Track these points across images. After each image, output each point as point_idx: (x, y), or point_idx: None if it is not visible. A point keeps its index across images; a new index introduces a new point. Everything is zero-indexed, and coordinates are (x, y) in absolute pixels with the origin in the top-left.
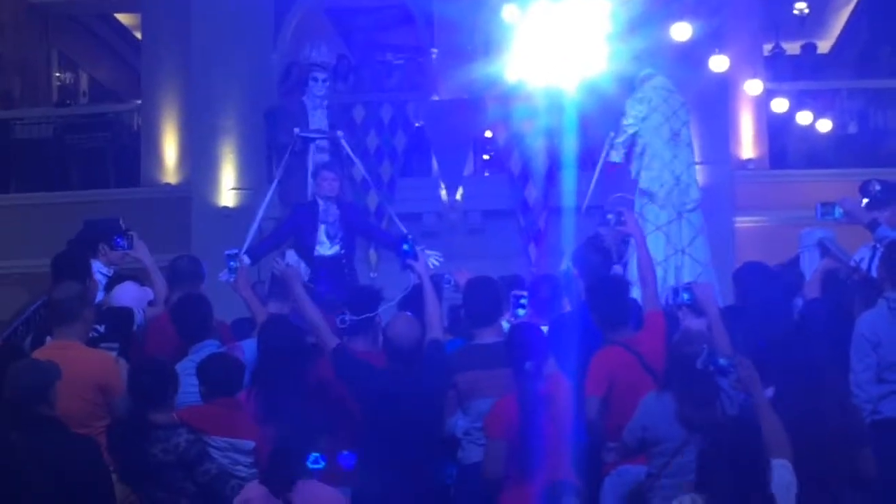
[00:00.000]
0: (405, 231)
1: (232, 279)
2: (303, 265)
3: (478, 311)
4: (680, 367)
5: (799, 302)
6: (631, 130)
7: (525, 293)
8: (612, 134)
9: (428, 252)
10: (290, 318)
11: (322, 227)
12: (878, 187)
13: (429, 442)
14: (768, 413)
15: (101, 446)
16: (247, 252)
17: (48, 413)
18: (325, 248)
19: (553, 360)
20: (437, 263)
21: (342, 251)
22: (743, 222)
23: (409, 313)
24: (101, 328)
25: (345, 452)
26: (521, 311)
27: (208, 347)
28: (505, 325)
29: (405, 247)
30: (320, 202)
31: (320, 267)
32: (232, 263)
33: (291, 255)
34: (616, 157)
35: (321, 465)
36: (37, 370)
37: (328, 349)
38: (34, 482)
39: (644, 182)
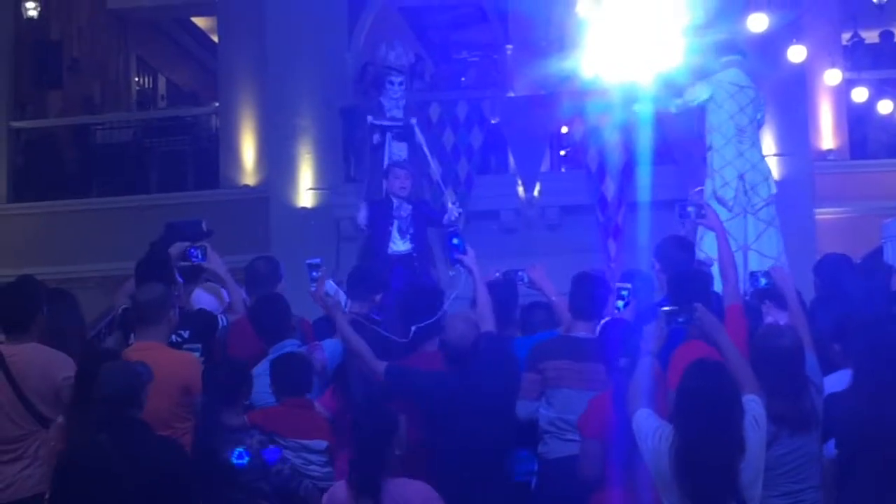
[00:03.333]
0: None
1: (313, 288)
2: (342, 294)
3: (581, 304)
4: (767, 361)
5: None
6: (681, 104)
7: (628, 285)
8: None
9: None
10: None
11: (395, 224)
12: None
13: (501, 439)
14: (734, 354)
15: (185, 448)
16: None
17: (137, 415)
18: (398, 245)
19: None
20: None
21: (413, 248)
22: (823, 214)
23: (463, 314)
24: (186, 333)
25: (270, 447)
26: (620, 304)
27: (288, 347)
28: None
29: (454, 241)
30: (394, 200)
31: (394, 264)
32: (314, 273)
33: (331, 285)
34: (672, 108)
35: (245, 459)
36: (130, 372)
37: (378, 375)
38: (122, 483)
39: (707, 178)
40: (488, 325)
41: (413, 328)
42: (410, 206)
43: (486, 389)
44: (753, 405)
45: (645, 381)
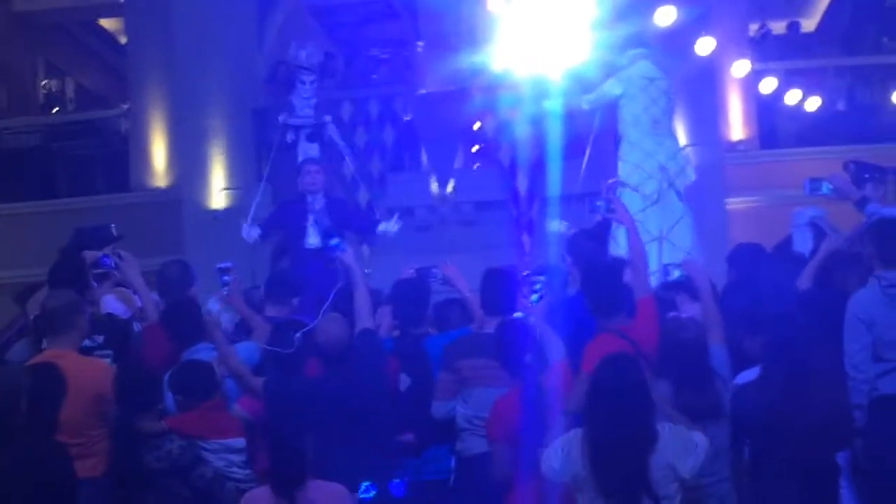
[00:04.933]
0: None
1: (224, 293)
2: (226, 315)
3: (492, 300)
4: (671, 353)
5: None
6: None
7: (542, 278)
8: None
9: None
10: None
11: (311, 219)
12: (852, 167)
13: (379, 436)
14: (711, 304)
15: (69, 457)
16: (259, 224)
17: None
18: (314, 239)
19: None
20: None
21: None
22: (735, 204)
23: (335, 314)
24: (100, 339)
25: (396, 480)
26: (535, 297)
27: (201, 351)
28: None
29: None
30: (308, 196)
31: (311, 260)
32: (225, 277)
33: (214, 304)
34: (584, 104)
35: (371, 494)
36: (8, 383)
37: (257, 392)
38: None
39: (622, 172)
40: (365, 321)
41: (297, 336)
42: (325, 200)
43: (363, 387)
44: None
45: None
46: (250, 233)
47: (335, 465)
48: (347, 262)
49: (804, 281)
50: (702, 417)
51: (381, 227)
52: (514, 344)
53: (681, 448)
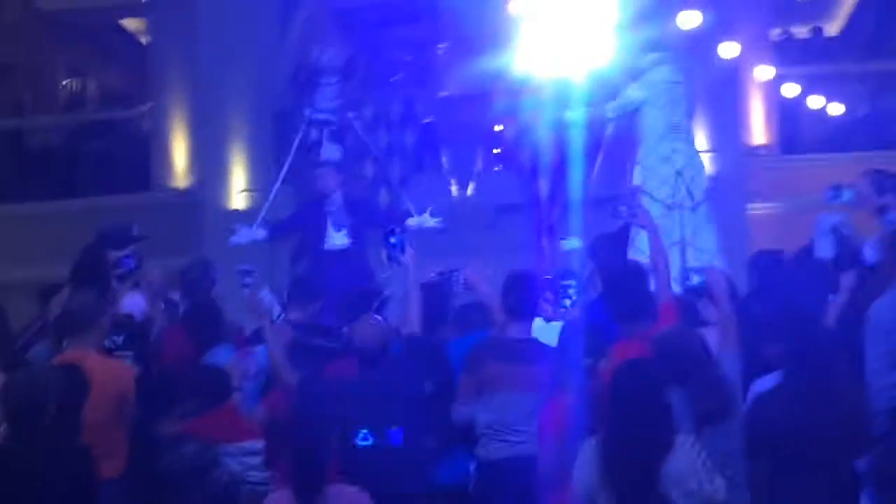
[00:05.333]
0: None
1: (246, 294)
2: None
3: (514, 304)
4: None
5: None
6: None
7: (573, 282)
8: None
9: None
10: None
11: (330, 220)
12: (873, 175)
13: (422, 440)
14: (727, 311)
15: (92, 458)
16: (264, 225)
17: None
18: (334, 239)
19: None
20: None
21: (351, 242)
22: (756, 209)
23: (369, 316)
24: (120, 339)
25: (394, 428)
26: (568, 302)
27: (221, 353)
28: (538, 322)
29: (392, 240)
30: (327, 197)
31: (332, 260)
32: (246, 280)
33: (266, 294)
34: (609, 112)
35: (369, 441)
36: (36, 384)
37: (290, 387)
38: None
39: (637, 177)
40: (413, 326)
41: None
42: (343, 200)
43: (404, 390)
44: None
45: None
46: (251, 234)
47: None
48: (406, 262)
49: (829, 319)
50: (710, 420)
51: (412, 220)
52: (576, 346)
53: (698, 465)
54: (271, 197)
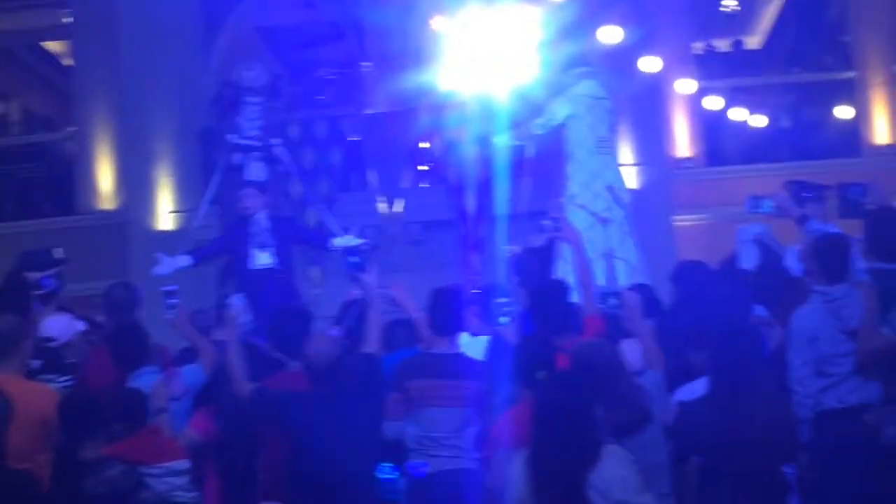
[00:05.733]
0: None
1: (169, 315)
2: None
3: (440, 320)
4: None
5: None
6: (543, 124)
7: (508, 300)
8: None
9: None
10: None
11: (253, 240)
12: (792, 186)
13: (360, 459)
14: (649, 340)
15: (39, 481)
16: (189, 252)
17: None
18: (259, 259)
19: None
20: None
21: (277, 262)
22: (682, 221)
23: (326, 331)
24: (37, 363)
25: (415, 462)
26: (503, 319)
27: (146, 375)
28: (464, 337)
29: (352, 259)
30: (251, 218)
31: (257, 280)
32: (170, 300)
33: (238, 299)
34: (535, 129)
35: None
36: None
37: (243, 395)
38: None
39: (570, 191)
40: (372, 345)
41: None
42: (269, 222)
43: (352, 409)
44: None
45: None
46: (174, 263)
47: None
48: (367, 282)
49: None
50: (627, 431)
51: (337, 241)
52: (532, 358)
53: (625, 475)
54: (198, 219)
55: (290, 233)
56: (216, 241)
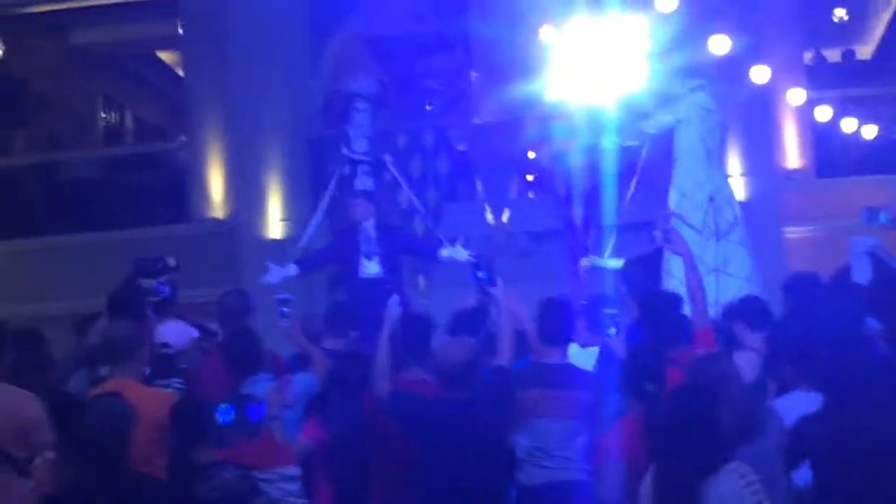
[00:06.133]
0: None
1: (285, 324)
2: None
3: (550, 330)
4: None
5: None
6: (654, 123)
7: (616, 311)
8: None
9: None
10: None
11: (362, 249)
12: None
13: (489, 468)
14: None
15: (165, 488)
16: (297, 262)
17: (124, 455)
18: (367, 269)
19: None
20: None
21: (384, 272)
22: (792, 233)
23: (459, 337)
24: (151, 369)
25: (254, 404)
26: (612, 331)
27: (260, 382)
28: (573, 347)
29: (479, 274)
30: (358, 226)
31: (366, 289)
32: (284, 309)
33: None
34: (647, 128)
35: (230, 415)
36: (117, 413)
37: (382, 394)
38: None
39: (672, 199)
40: (503, 357)
41: None
42: (376, 231)
43: (482, 418)
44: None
45: None
46: (283, 272)
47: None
48: (497, 296)
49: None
50: (741, 441)
51: (445, 251)
52: (638, 371)
53: (742, 486)
54: (308, 228)
55: (397, 242)
56: (324, 251)
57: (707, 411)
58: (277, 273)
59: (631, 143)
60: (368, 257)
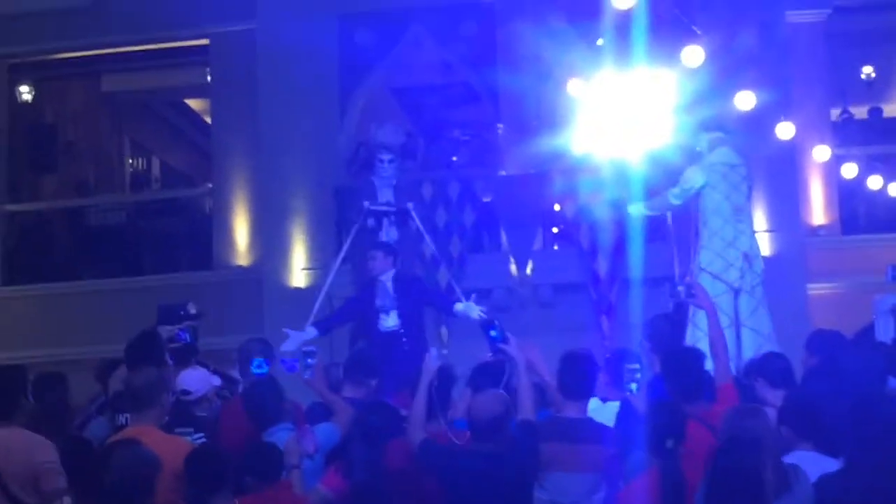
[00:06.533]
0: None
1: (307, 376)
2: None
3: (570, 383)
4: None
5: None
6: (679, 193)
7: (638, 366)
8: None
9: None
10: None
11: (378, 304)
12: None
13: None
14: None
15: None
16: (315, 324)
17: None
18: (385, 323)
19: None
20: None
21: (401, 325)
22: (816, 289)
23: (494, 390)
24: (178, 416)
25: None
26: (633, 386)
27: (281, 431)
28: (594, 402)
29: (492, 333)
30: (378, 280)
31: (385, 342)
32: (309, 360)
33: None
34: (672, 199)
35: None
36: (141, 460)
37: (415, 442)
38: None
39: (704, 260)
40: (527, 412)
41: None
42: (393, 284)
43: (509, 470)
44: None
45: None
46: (302, 337)
47: None
48: (512, 352)
49: None
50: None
51: (459, 306)
52: (659, 427)
53: None
54: (331, 275)
55: (416, 293)
56: (341, 311)
57: (753, 466)
58: (296, 339)
59: (655, 213)
60: (386, 312)
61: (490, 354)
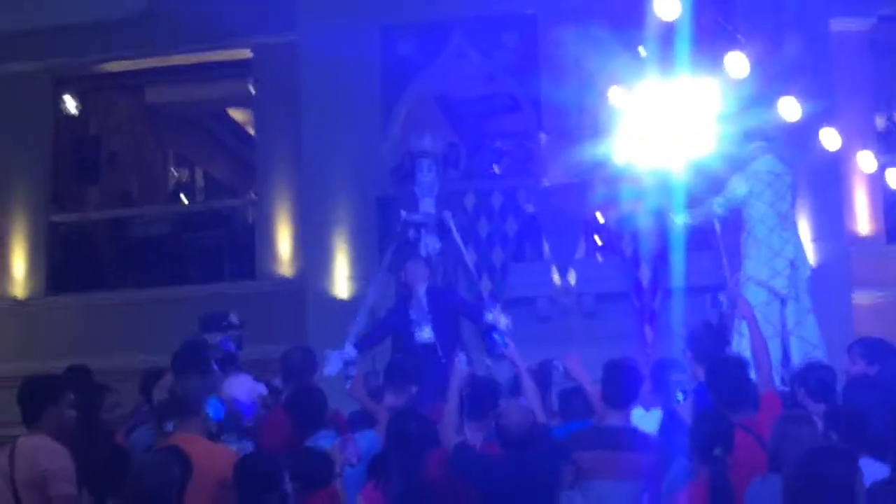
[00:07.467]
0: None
1: (348, 386)
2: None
3: (612, 392)
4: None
5: None
6: (723, 203)
7: (684, 376)
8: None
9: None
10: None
11: (413, 319)
12: None
13: None
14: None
15: None
16: (355, 344)
17: None
18: (420, 335)
19: None
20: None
21: (435, 337)
22: (861, 299)
23: (522, 401)
24: (223, 423)
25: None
26: (680, 396)
27: (324, 439)
28: (637, 410)
29: (495, 337)
30: (413, 294)
31: (422, 355)
32: (350, 369)
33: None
34: (716, 208)
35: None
36: (161, 469)
37: (449, 446)
38: None
39: (750, 269)
40: (541, 416)
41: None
42: (426, 297)
43: (538, 477)
44: None
45: None
46: (342, 358)
47: None
48: (513, 356)
49: None
50: None
51: (489, 316)
52: (708, 436)
53: None
54: (372, 289)
55: (448, 306)
56: (379, 327)
57: (848, 475)
58: (336, 361)
59: (699, 222)
60: (420, 326)
61: (531, 362)
